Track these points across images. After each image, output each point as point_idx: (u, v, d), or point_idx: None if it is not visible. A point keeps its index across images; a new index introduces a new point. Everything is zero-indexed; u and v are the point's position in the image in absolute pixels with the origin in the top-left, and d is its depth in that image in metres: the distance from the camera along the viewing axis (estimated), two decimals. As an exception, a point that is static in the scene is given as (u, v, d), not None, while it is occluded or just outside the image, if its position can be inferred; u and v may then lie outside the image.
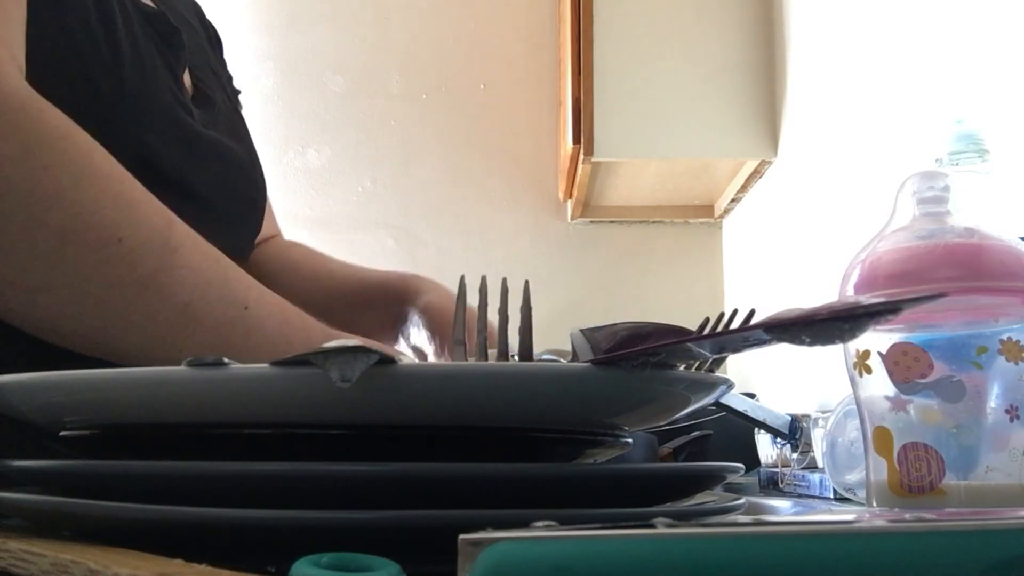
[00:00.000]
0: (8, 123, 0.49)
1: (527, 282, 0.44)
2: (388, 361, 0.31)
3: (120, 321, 0.52)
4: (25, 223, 0.49)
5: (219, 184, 0.73)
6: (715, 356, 0.40)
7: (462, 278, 0.45)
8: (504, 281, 0.45)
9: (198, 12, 0.91)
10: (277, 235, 0.98)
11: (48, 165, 0.50)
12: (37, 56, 0.57)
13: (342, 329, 0.63)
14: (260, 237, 0.90)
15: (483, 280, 0.46)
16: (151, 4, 0.72)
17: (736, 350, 0.33)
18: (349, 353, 0.31)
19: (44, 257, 0.50)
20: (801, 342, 0.30)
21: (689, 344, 0.32)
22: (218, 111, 0.77)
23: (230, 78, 0.92)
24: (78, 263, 0.50)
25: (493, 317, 0.46)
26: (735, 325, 0.41)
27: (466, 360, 0.47)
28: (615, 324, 0.37)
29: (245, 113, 0.89)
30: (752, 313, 0.41)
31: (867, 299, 0.29)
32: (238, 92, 0.92)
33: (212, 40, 0.90)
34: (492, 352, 0.46)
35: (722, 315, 0.46)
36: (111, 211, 0.51)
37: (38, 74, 0.55)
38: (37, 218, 0.49)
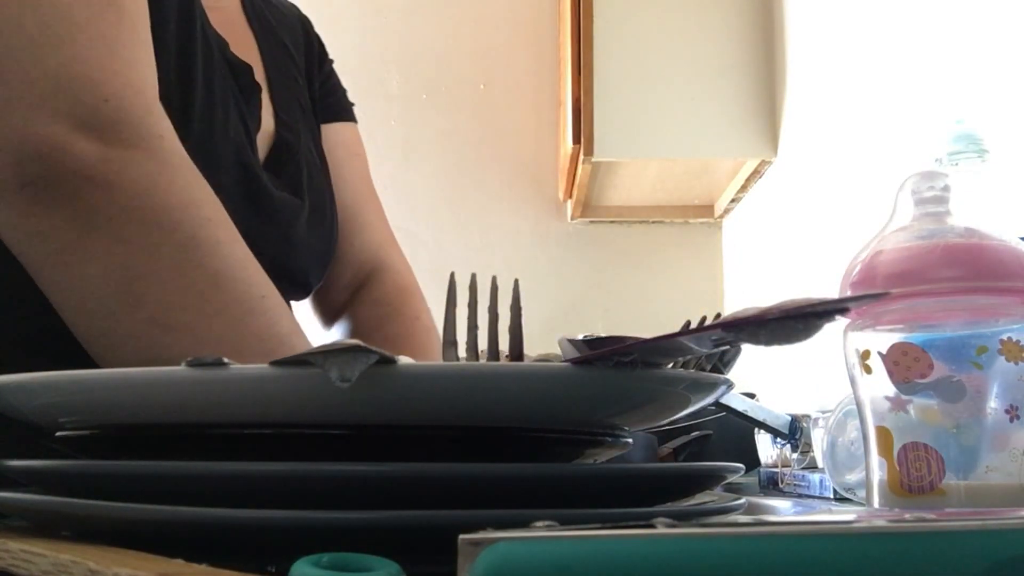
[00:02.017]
0: (183, 175, 0.53)
1: (516, 281, 0.44)
2: (388, 361, 0.31)
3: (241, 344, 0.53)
4: (184, 264, 0.51)
5: (285, 242, 0.72)
6: (707, 353, 0.41)
7: (452, 275, 0.45)
8: (494, 279, 0.45)
9: (305, 26, 0.90)
10: (383, 264, 0.90)
11: (211, 218, 0.53)
12: None
13: None
14: (359, 270, 0.87)
15: (473, 278, 0.46)
16: (240, 56, 0.72)
17: (712, 348, 0.33)
18: (349, 353, 0.31)
19: (194, 299, 0.51)
20: (759, 341, 0.30)
21: (667, 343, 0.32)
22: (299, 158, 0.76)
23: (338, 92, 0.91)
24: (227, 307, 0.52)
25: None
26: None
27: (457, 360, 0.47)
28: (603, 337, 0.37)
29: None
30: (718, 315, 0.42)
31: (816, 299, 0.29)
32: (351, 105, 0.91)
33: (316, 57, 0.88)
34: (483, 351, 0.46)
35: (704, 318, 0.46)
36: (255, 270, 0.54)
37: None
38: (195, 262, 0.51)
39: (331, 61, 0.93)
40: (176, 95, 0.63)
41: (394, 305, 0.87)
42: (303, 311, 0.84)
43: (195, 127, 0.64)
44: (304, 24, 0.89)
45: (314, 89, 0.88)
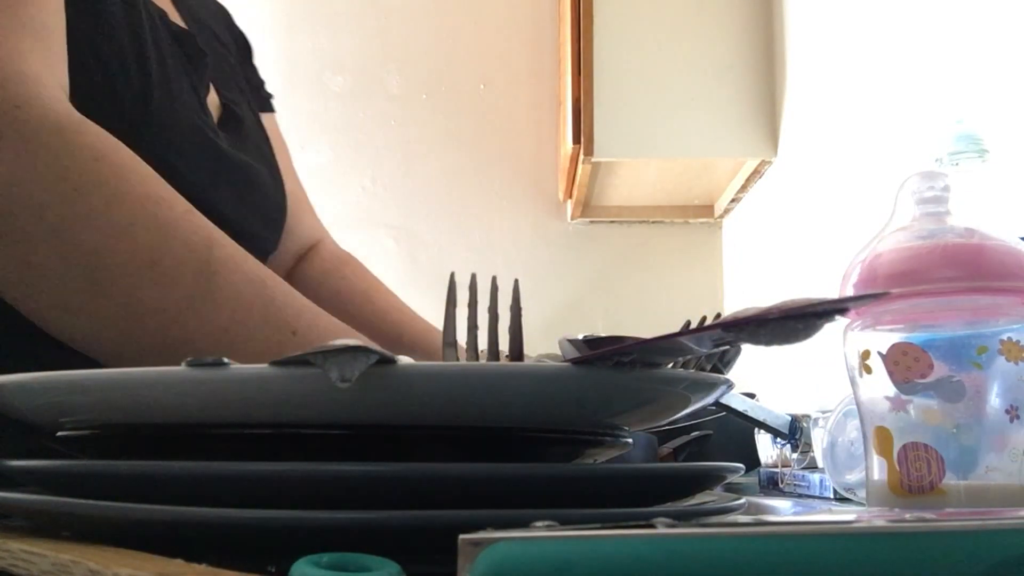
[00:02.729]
0: (42, 144, 0.49)
1: (516, 281, 0.44)
2: (388, 361, 0.31)
3: (157, 346, 0.51)
4: (59, 247, 0.49)
5: (245, 205, 0.74)
6: (707, 353, 0.41)
7: (452, 276, 0.45)
8: (494, 279, 0.45)
9: (226, 19, 0.91)
10: (323, 239, 0.96)
11: (80, 188, 0.49)
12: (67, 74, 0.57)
13: None
14: (305, 243, 0.91)
15: (473, 278, 0.46)
16: (180, 23, 0.73)
17: (711, 348, 0.33)
18: (349, 353, 0.31)
19: (78, 280, 0.49)
20: (759, 341, 0.30)
21: (666, 343, 0.32)
22: (246, 130, 0.78)
23: (261, 83, 0.93)
24: (112, 286, 0.50)
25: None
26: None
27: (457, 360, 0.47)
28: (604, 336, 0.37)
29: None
30: (718, 315, 0.42)
31: (816, 299, 0.29)
32: (271, 96, 0.93)
33: (241, 47, 0.91)
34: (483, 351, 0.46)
35: (704, 318, 0.46)
36: (144, 233, 0.50)
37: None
38: (70, 242, 0.49)
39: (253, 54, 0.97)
40: (133, 66, 0.63)
41: (341, 259, 0.96)
42: None
43: (155, 94, 0.63)
44: (226, 15, 0.92)
45: (248, 76, 0.91)
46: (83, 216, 0.49)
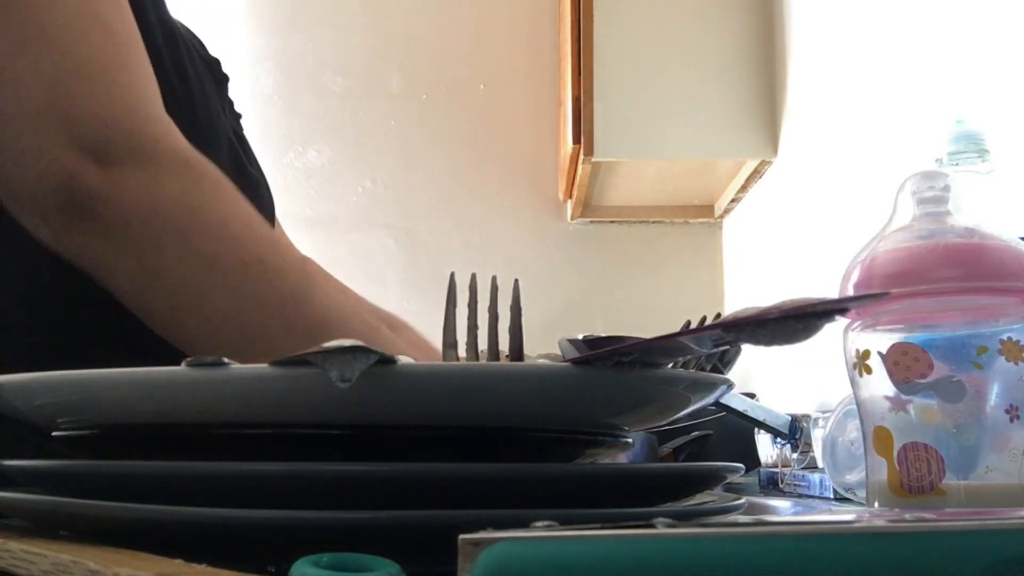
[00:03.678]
0: (174, 172, 0.58)
1: (516, 281, 0.44)
2: (388, 361, 0.31)
3: (261, 334, 0.58)
4: (180, 250, 0.56)
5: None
6: (707, 353, 0.41)
7: (452, 276, 0.45)
8: (494, 279, 0.45)
9: (202, 48, 0.95)
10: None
11: (201, 206, 0.58)
12: None
13: None
14: None
15: (473, 278, 0.46)
16: (204, 50, 0.81)
17: (711, 348, 0.33)
18: (349, 353, 0.31)
19: (195, 281, 0.57)
20: (759, 341, 0.30)
21: (666, 343, 0.32)
22: (247, 147, 0.84)
23: (232, 104, 0.96)
24: (227, 279, 0.57)
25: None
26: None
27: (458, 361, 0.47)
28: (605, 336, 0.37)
29: (244, 114, 0.93)
30: (718, 315, 0.42)
31: (816, 299, 0.29)
32: (239, 116, 0.96)
33: (217, 74, 0.95)
34: (483, 351, 0.46)
35: (704, 318, 0.46)
36: (252, 242, 0.59)
37: None
38: (191, 248, 0.56)
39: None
40: (179, 88, 0.70)
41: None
42: None
43: (199, 114, 0.71)
44: (202, 44, 0.97)
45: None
46: (202, 227, 0.57)
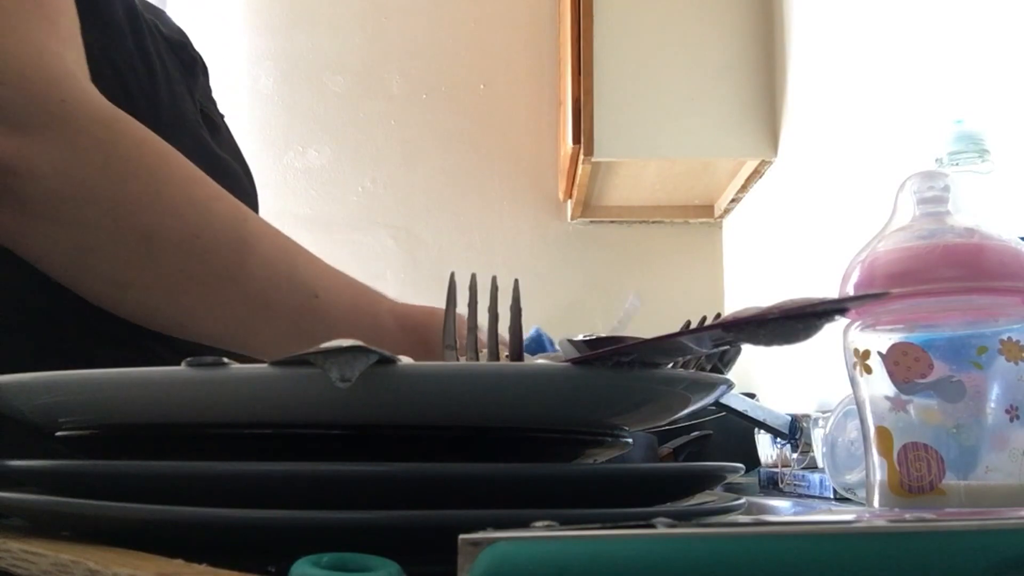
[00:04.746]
0: (92, 136, 0.53)
1: (516, 281, 0.44)
2: (388, 361, 0.31)
3: (200, 311, 0.57)
4: (112, 229, 0.53)
5: None
6: (707, 353, 0.40)
7: (452, 276, 0.45)
8: (494, 279, 0.45)
9: (186, 41, 0.94)
10: None
11: (128, 173, 0.54)
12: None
13: None
14: None
15: (473, 278, 0.46)
16: (172, 33, 0.77)
17: (711, 348, 0.33)
18: (349, 353, 0.31)
19: (131, 257, 0.54)
20: (759, 341, 0.30)
21: (665, 343, 0.32)
22: (223, 134, 0.82)
23: (215, 104, 0.95)
24: (161, 261, 0.55)
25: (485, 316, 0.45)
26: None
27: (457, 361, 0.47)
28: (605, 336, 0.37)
29: (244, 114, 0.92)
30: (718, 315, 0.42)
31: (816, 299, 0.29)
32: (222, 116, 0.95)
33: (201, 67, 0.94)
34: (483, 352, 0.45)
35: (704, 318, 0.46)
36: (189, 212, 0.56)
37: None
38: (122, 224, 0.54)
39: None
40: (141, 69, 0.67)
41: None
42: None
43: (162, 96, 0.68)
44: (186, 38, 0.95)
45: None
46: (134, 200, 0.54)
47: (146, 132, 0.56)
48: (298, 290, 0.59)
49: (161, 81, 0.69)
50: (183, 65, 0.75)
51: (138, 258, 0.54)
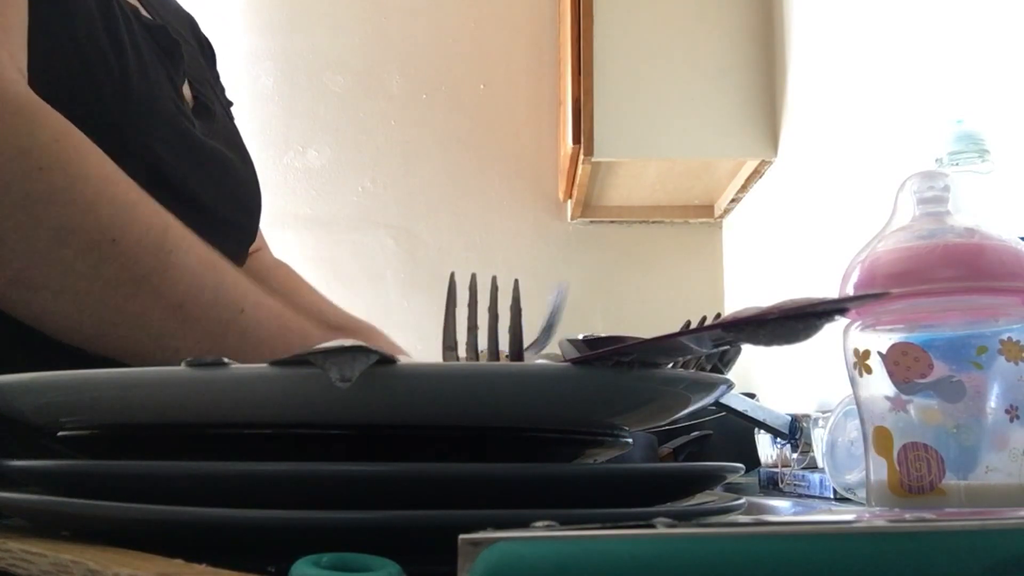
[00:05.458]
0: (5, 125, 0.51)
1: (516, 281, 0.44)
2: (388, 361, 0.31)
3: (114, 320, 0.53)
4: (23, 223, 0.51)
5: (221, 193, 0.74)
6: (707, 353, 0.41)
7: (452, 276, 0.45)
8: (494, 279, 0.45)
9: (193, 26, 0.92)
10: (263, 248, 0.96)
11: (44, 166, 0.51)
12: (46, 66, 0.59)
13: None
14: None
15: (473, 278, 0.46)
16: (151, 18, 0.74)
17: (711, 348, 0.33)
18: (349, 353, 0.31)
19: (41, 256, 0.51)
20: (758, 341, 0.30)
21: (666, 343, 0.32)
22: (217, 122, 0.79)
23: (223, 90, 0.93)
24: (74, 262, 0.52)
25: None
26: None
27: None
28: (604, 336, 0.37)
29: (244, 114, 0.90)
30: (718, 315, 0.42)
31: (816, 299, 0.29)
32: (230, 104, 0.93)
33: (207, 54, 0.91)
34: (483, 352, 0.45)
35: (704, 318, 0.46)
36: (107, 211, 0.53)
37: (46, 83, 0.57)
38: (34, 218, 0.51)
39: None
40: (111, 54, 0.64)
41: (272, 266, 0.94)
42: None
43: (133, 82, 0.65)
44: (192, 22, 0.91)
45: (213, 81, 0.90)
46: (47, 193, 0.51)
47: (68, 126, 0.54)
48: (223, 304, 0.56)
49: (133, 67, 0.65)
50: (162, 50, 0.72)
51: (49, 257, 0.51)
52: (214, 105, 0.80)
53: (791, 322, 0.29)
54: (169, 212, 0.56)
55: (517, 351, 0.42)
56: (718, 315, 0.46)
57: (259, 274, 0.90)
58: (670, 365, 0.36)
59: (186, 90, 0.77)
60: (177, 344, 0.54)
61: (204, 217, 0.69)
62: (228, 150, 0.78)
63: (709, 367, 0.48)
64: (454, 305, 0.45)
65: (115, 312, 0.53)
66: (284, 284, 0.93)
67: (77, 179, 0.52)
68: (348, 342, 0.31)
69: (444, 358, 0.45)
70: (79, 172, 0.53)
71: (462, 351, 0.46)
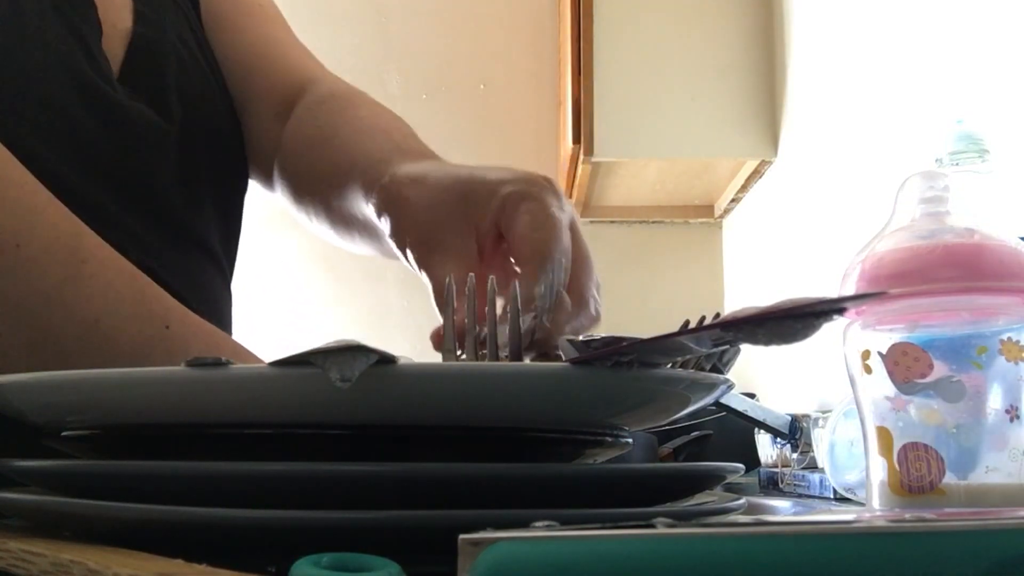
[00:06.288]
0: None
1: (515, 284, 0.44)
2: (388, 361, 0.31)
3: (20, 338, 0.47)
4: None
5: (148, 167, 0.62)
6: (706, 353, 0.41)
7: (449, 280, 0.45)
8: (492, 281, 0.45)
9: None
10: (315, 79, 0.74)
11: None
12: None
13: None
14: (289, 86, 0.72)
15: (471, 279, 0.46)
16: None
17: (711, 348, 0.33)
18: (348, 353, 0.31)
19: None
20: (757, 341, 0.30)
21: (664, 343, 0.32)
22: (161, 64, 0.65)
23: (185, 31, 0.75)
24: None
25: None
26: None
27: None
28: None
29: None
30: (717, 315, 0.42)
31: (814, 298, 0.29)
32: (198, 49, 0.74)
33: None
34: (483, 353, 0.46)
35: (703, 318, 0.46)
36: (8, 217, 0.46)
37: None
38: None
39: None
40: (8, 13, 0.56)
41: (334, 95, 0.73)
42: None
43: (28, 41, 0.56)
44: None
45: None
46: None
47: None
48: (145, 319, 0.49)
49: (29, 24, 0.56)
50: (69, 3, 0.60)
51: None
52: (163, 37, 0.66)
53: (789, 322, 0.29)
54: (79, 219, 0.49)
55: (516, 352, 0.43)
56: (717, 315, 0.46)
57: (303, 117, 0.71)
58: (669, 365, 0.36)
59: (126, 17, 0.65)
60: (95, 364, 0.46)
61: (131, 204, 0.60)
62: (177, 105, 0.65)
63: (708, 367, 0.48)
64: (453, 309, 0.45)
65: (20, 330, 0.46)
66: (324, 124, 0.70)
67: None
68: (349, 342, 0.31)
69: (444, 359, 0.45)
70: None
71: (463, 353, 0.46)
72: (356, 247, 0.65)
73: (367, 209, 0.58)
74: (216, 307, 0.68)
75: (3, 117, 0.55)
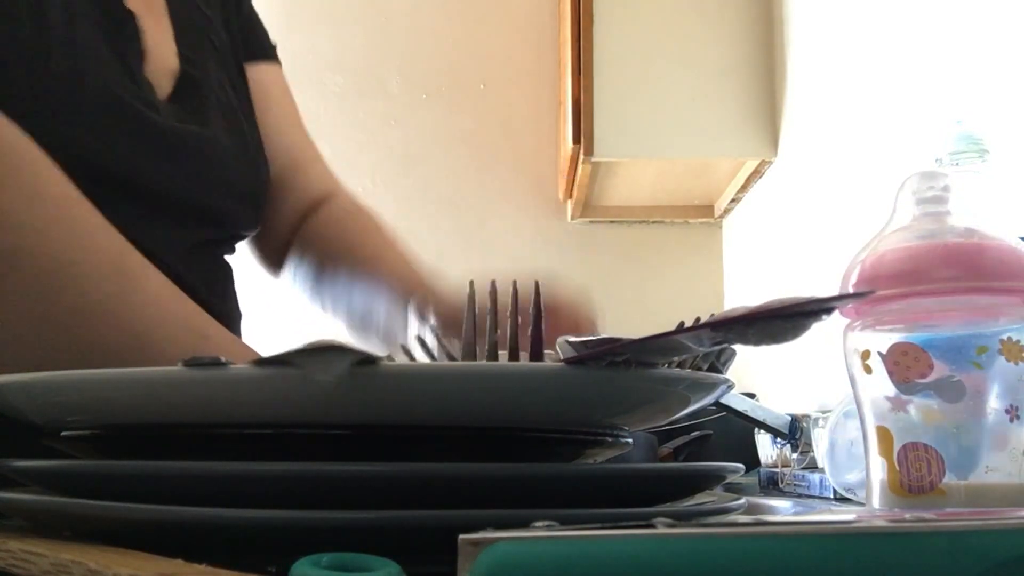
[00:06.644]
0: None
1: (515, 282, 0.44)
2: (370, 361, 0.31)
3: (69, 348, 0.50)
4: None
5: (196, 178, 0.69)
6: (704, 352, 0.41)
7: (471, 284, 0.45)
8: (514, 284, 0.45)
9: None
10: (334, 193, 0.88)
11: None
12: None
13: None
14: (311, 197, 0.84)
15: (492, 284, 0.46)
16: None
17: (709, 347, 0.33)
18: (325, 353, 0.30)
19: None
20: (747, 340, 0.30)
21: (658, 342, 0.32)
22: (206, 97, 0.72)
23: (255, 30, 0.86)
24: (29, 285, 0.49)
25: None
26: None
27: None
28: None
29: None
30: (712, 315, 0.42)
31: (803, 298, 0.29)
32: (272, 45, 0.87)
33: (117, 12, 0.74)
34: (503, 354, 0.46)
35: (698, 318, 0.46)
36: (64, 234, 0.50)
37: None
38: None
39: (250, 1, 0.89)
40: (30, 28, 0.59)
41: (350, 212, 0.87)
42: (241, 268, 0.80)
43: (54, 57, 0.60)
44: None
45: (232, 29, 0.83)
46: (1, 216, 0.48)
47: (18, 137, 0.50)
48: (187, 328, 0.52)
49: (58, 37, 0.60)
50: (111, 23, 0.65)
51: (1, 281, 0.48)
52: (208, 76, 0.73)
53: (779, 321, 0.29)
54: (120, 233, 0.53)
55: (515, 351, 0.43)
56: (712, 315, 0.46)
57: (328, 225, 0.83)
58: (666, 365, 0.36)
59: (168, 64, 0.70)
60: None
61: (171, 208, 0.65)
62: (219, 131, 0.71)
63: (706, 367, 0.48)
64: (474, 313, 0.45)
65: (70, 340, 0.50)
66: (349, 237, 0.84)
67: (33, 199, 0.49)
68: (326, 341, 0.31)
69: (463, 358, 0.45)
70: (35, 191, 0.50)
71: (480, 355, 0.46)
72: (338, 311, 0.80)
73: (399, 302, 0.74)
74: (235, 314, 0.75)
75: (64, 118, 0.59)
